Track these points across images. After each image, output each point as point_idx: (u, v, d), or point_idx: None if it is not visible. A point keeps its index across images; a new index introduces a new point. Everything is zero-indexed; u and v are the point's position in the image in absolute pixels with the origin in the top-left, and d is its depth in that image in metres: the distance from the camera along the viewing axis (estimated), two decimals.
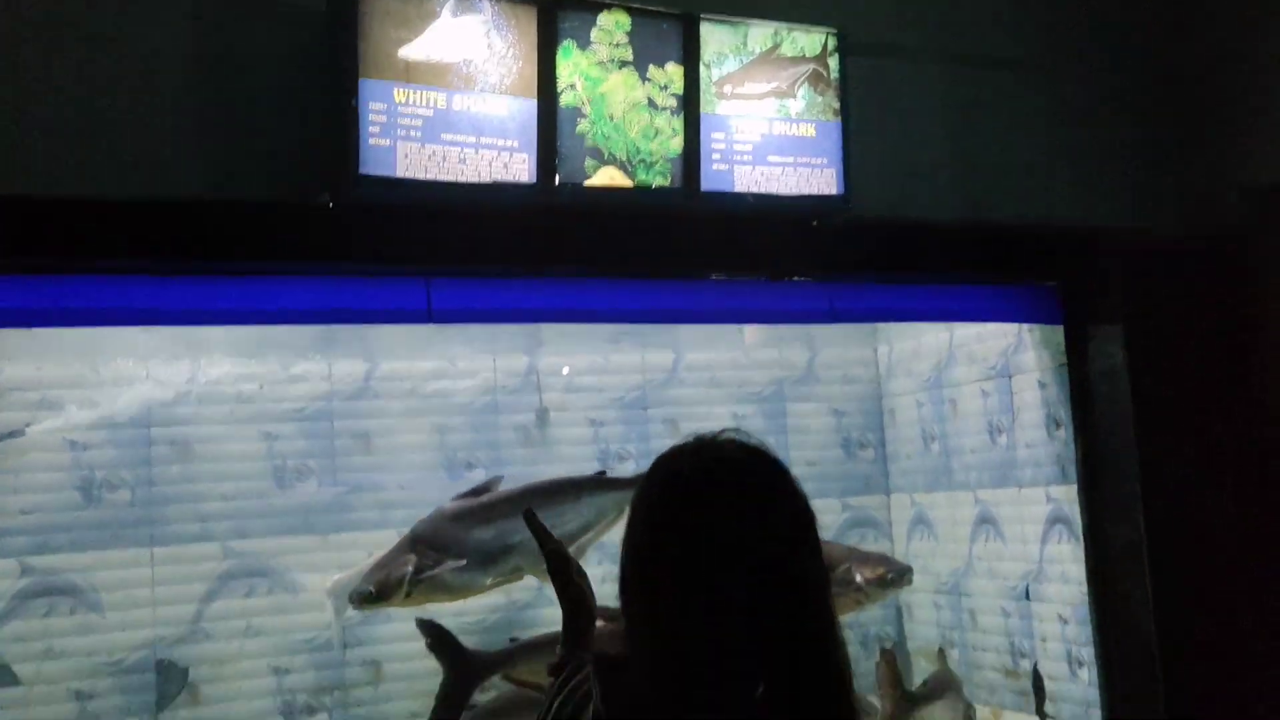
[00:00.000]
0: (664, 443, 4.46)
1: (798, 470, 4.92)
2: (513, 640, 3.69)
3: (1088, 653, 3.70)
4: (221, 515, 3.89)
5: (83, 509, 3.71)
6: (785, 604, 1.39)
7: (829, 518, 4.64)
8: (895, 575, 3.92)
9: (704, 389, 4.59)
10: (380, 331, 4.00)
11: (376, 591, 3.43)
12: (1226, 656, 3.53)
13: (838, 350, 4.79)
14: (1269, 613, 3.60)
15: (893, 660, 3.95)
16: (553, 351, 4.38)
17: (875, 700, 4.35)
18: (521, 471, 4.15)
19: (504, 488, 3.79)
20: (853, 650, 4.70)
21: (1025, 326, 3.98)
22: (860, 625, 4.64)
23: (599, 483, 3.81)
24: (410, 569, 3.41)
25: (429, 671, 4.06)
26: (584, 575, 1.96)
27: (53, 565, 3.65)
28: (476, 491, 3.74)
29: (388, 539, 4.05)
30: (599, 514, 3.72)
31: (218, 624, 3.83)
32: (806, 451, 4.67)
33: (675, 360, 4.58)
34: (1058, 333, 3.78)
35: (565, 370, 4.41)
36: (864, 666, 4.57)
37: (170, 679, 3.75)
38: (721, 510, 1.42)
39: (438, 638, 3.57)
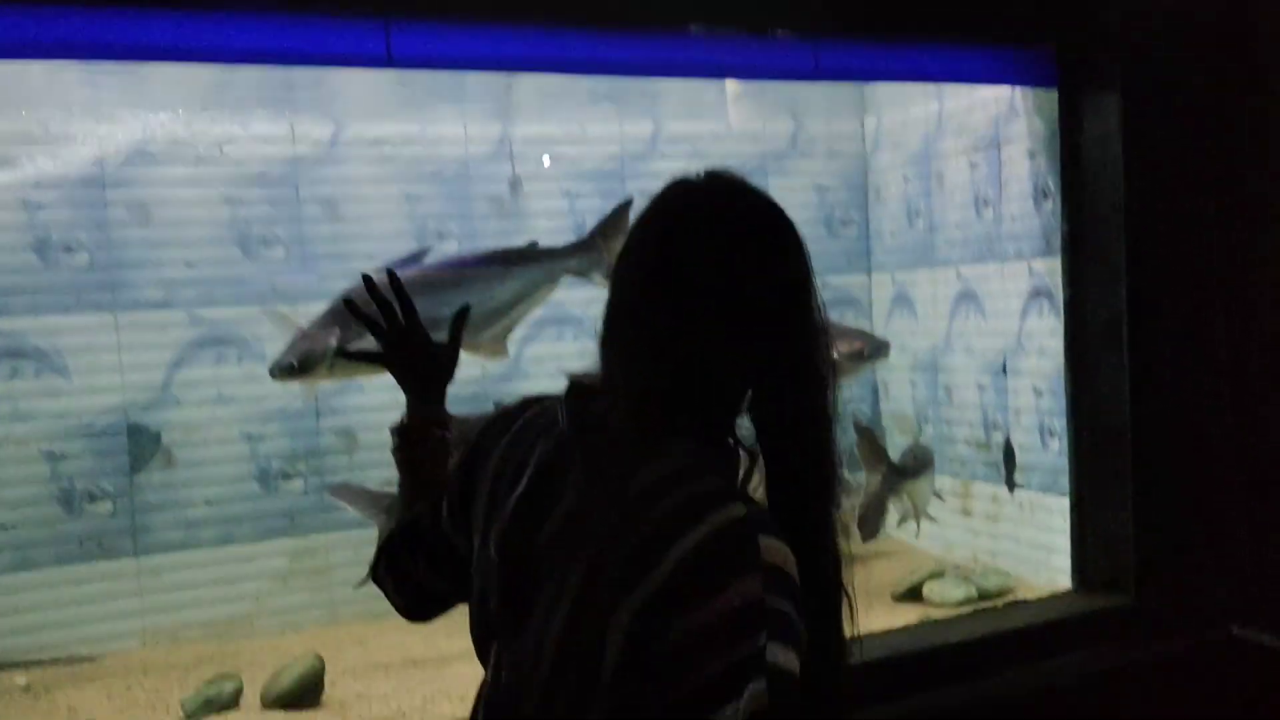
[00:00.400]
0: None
1: None
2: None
3: (1060, 423, 3.71)
4: (186, 282, 3.80)
5: (40, 272, 3.60)
6: (772, 351, 1.31)
7: None
8: (872, 349, 3.90)
9: (684, 162, 4.36)
10: (346, 91, 3.83)
11: (299, 365, 3.27)
12: (1198, 435, 3.55)
13: (822, 123, 4.63)
14: (1245, 392, 3.60)
15: (870, 434, 3.96)
16: (527, 119, 4.21)
17: (849, 477, 4.41)
18: (491, 243, 4.04)
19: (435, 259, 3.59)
20: None
21: (1018, 93, 3.82)
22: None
23: (531, 254, 3.61)
24: (334, 342, 3.21)
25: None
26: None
27: (13, 328, 3.57)
28: (405, 262, 3.48)
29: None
30: (531, 286, 3.57)
31: (188, 390, 3.79)
32: None
33: (654, 131, 4.41)
34: (1052, 98, 3.62)
35: (546, 161, 4.25)
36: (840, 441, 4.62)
37: (143, 443, 3.74)
38: (713, 243, 1.32)
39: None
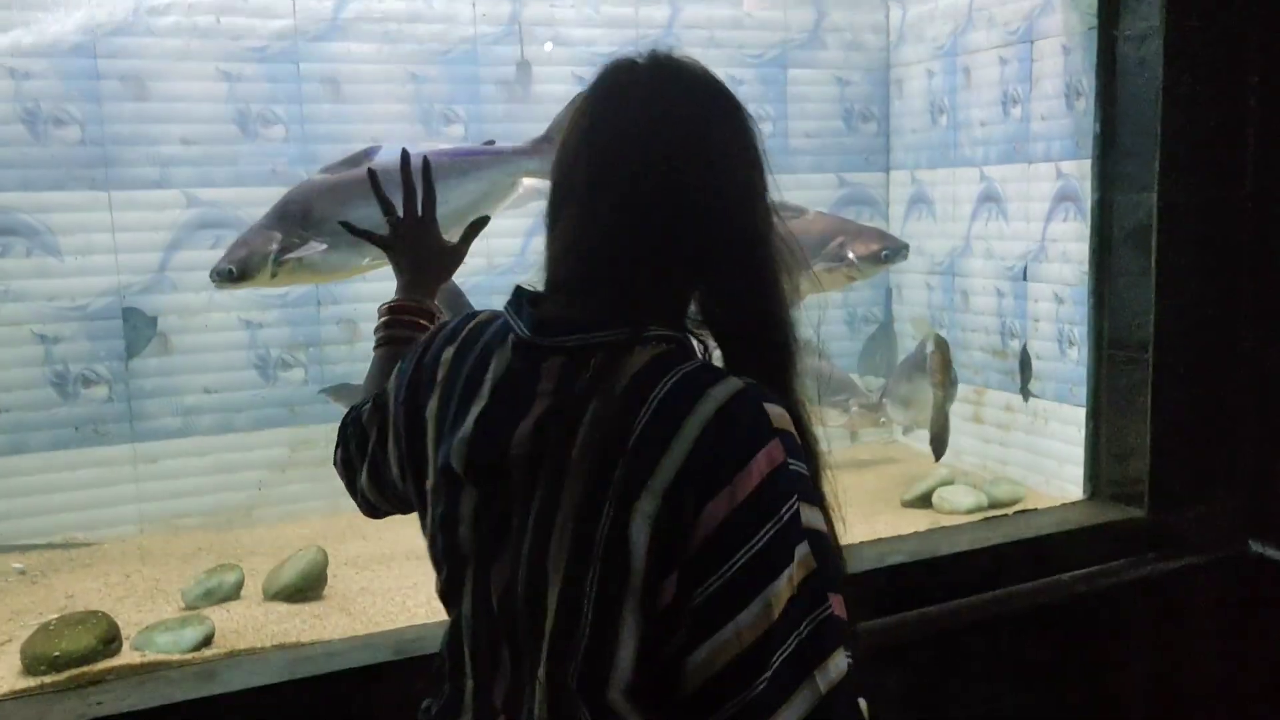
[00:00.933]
0: None
1: (794, 141, 4.73)
2: None
3: (1080, 332, 3.62)
4: (182, 160, 3.65)
5: (30, 145, 3.45)
6: (723, 238, 1.24)
7: (824, 193, 4.44)
8: (890, 251, 3.77)
9: (700, 49, 4.19)
10: None
11: (238, 271, 3.09)
12: (1219, 350, 3.46)
13: (846, 13, 4.43)
14: (1267, 310, 3.50)
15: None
16: None
17: (857, 379, 4.33)
18: (499, 129, 3.89)
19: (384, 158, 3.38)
20: (838, 329, 4.68)
21: None
22: (848, 305, 4.56)
23: (489, 154, 3.38)
24: (275, 247, 3.06)
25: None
26: (444, 252, 1.79)
27: (3, 203, 3.43)
28: (351, 162, 3.27)
29: None
30: (489, 187, 3.35)
31: (184, 274, 3.67)
32: (805, 122, 4.41)
33: (671, 15, 4.22)
34: None
35: (548, 47, 4.05)
36: (849, 346, 4.53)
37: (138, 327, 3.64)
38: (655, 125, 1.22)
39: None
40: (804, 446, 1.19)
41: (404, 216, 1.70)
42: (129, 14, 3.51)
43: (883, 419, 4.05)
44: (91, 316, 3.57)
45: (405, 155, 1.71)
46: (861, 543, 3.24)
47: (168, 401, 3.71)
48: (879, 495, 3.90)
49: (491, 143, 3.43)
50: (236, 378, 3.79)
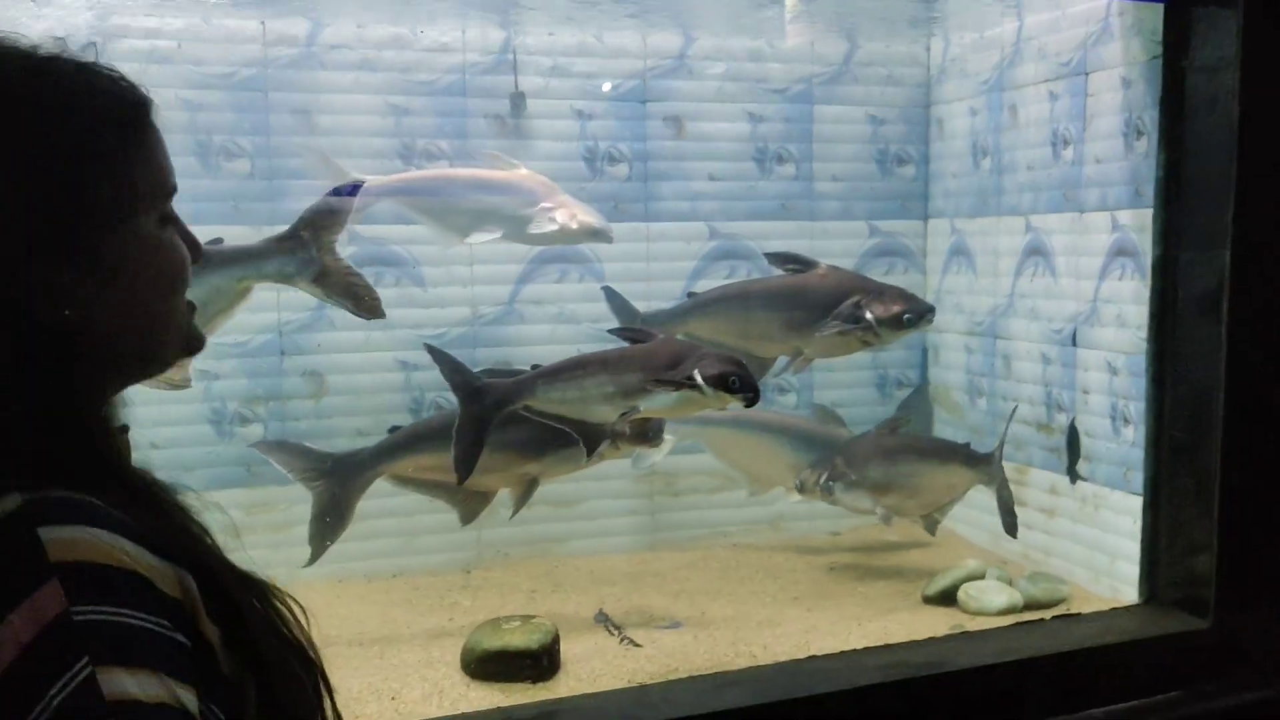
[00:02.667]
0: (664, 144, 3.74)
1: (820, 185, 4.22)
2: (535, 367, 3.00)
3: (1136, 409, 3.13)
4: None
5: None
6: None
7: (852, 242, 4.01)
8: (913, 316, 3.26)
9: (716, 82, 3.87)
10: None
11: None
12: None
13: (881, 44, 4.02)
14: None
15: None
16: (535, 24, 3.66)
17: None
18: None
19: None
20: (868, 394, 4.23)
21: (1114, 8, 3.18)
22: (878, 366, 4.10)
23: (213, 255, 2.32)
24: None
25: (380, 386, 3.64)
26: None
27: None
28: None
29: None
30: (210, 295, 2.65)
31: None
32: (833, 164, 3.99)
33: (684, 45, 3.84)
34: (1156, 14, 2.98)
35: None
36: (880, 411, 4.07)
37: None
38: None
39: (448, 365, 2.89)
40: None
41: None
42: (84, 37, 3.23)
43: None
44: None
45: None
46: (865, 649, 2.77)
47: None
48: (898, 588, 3.42)
49: (219, 241, 2.69)
50: (188, 432, 3.46)
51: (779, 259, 3.28)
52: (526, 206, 3.30)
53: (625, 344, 2.94)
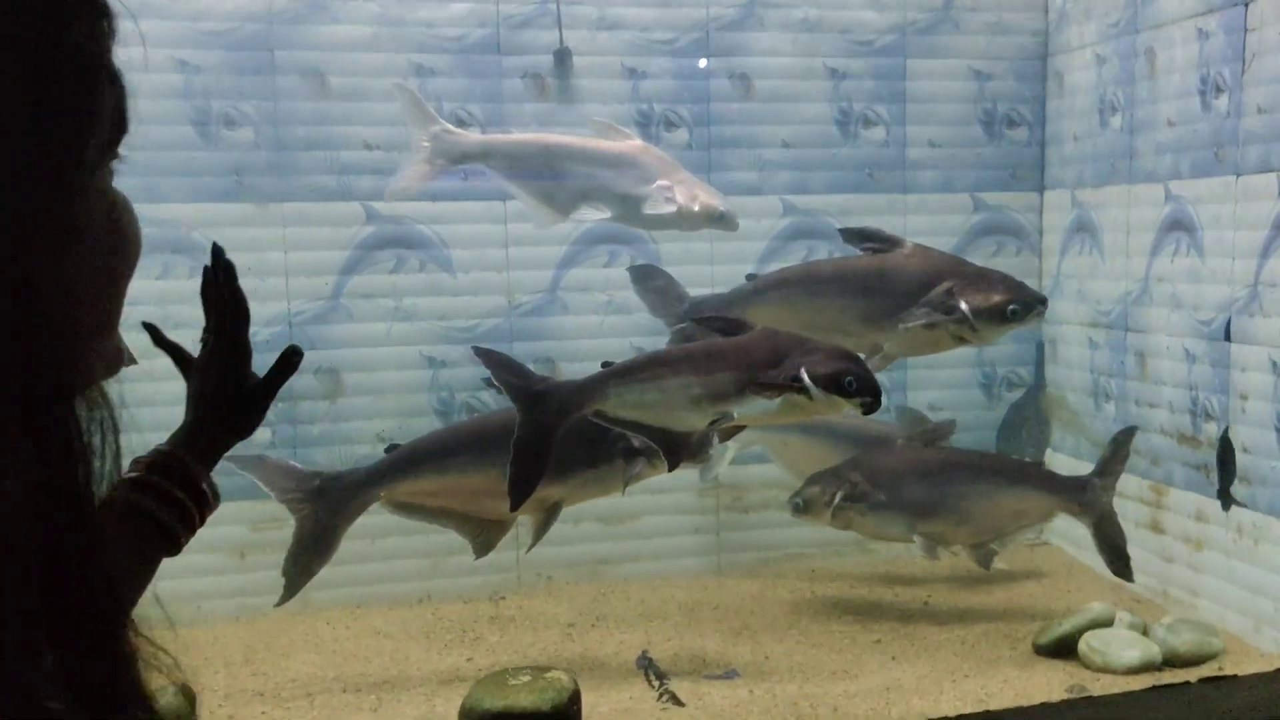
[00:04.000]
0: (730, 107, 3.18)
1: (913, 152, 3.56)
2: (606, 364, 2.48)
3: None
4: (128, 170, 2.96)
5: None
6: None
7: (952, 218, 3.45)
8: (1019, 307, 2.65)
9: (790, 34, 3.35)
10: None
11: None
12: None
13: None
14: None
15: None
16: None
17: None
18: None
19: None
20: (972, 396, 3.63)
21: None
22: (984, 363, 3.52)
23: None
24: None
25: (403, 385, 3.22)
26: None
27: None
28: None
29: (348, 213, 3.13)
30: None
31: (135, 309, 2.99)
32: (929, 128, 3.45)
33: None
34: None
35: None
36: (986, 417, 3.50)
37: None
38: None
39: (503, 367, 2.41)
40: None
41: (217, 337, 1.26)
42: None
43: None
44: None
45: (217, 250, 1.22)
46: (959, 718, 2.22)
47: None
48: (1004, 632, 2.85)
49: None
50: None
51: (856, 236, 2.72)
52: (641, 184, 2.82)
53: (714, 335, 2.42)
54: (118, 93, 0.74)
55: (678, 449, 2.39)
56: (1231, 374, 2.79)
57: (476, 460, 2.49)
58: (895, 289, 2.59)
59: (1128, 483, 3.00)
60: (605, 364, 2.43)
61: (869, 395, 2.20)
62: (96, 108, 0.72)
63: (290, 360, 1.30)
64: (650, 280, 2.96)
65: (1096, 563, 3.19)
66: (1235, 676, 2.49)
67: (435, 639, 2.94)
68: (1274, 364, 2.65)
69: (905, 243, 2.69)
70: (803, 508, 2.87)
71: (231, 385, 1.31)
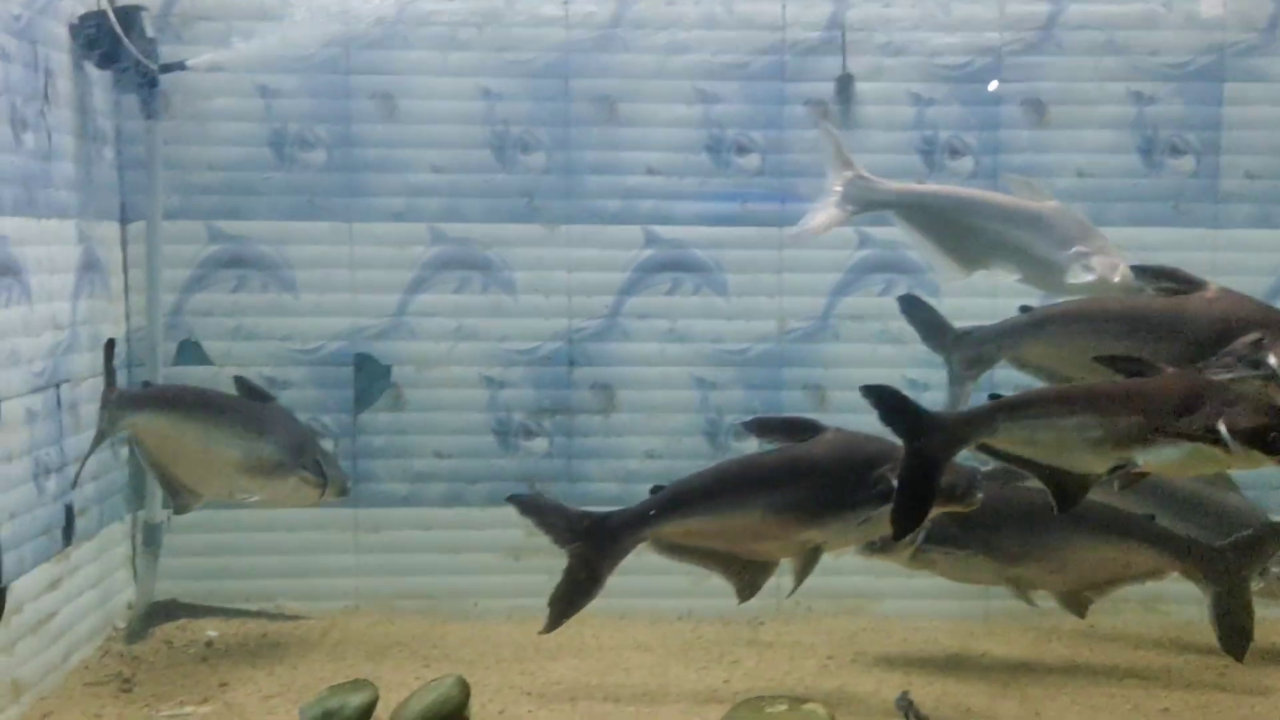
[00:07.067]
0: (1020, 134, 3.04)
1: (1228, 184, 3.32)
2: (994, 397, 2.40)
3: None
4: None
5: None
6: None
7: (1272, 257, 3.16)
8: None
9: (1088, 57, 3.20)
10: None
11: None
12: None
13: None
14: None
15: None
16: None
17: None
18: (802, 161, 3.08)
19: None
20: None
21: None
22: None
23: None
24: None
25: (674, 404, 3.27)
26: None
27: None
28: None
29: (629, 236, 3.21)
30: None
31: (430, 320, 3.22)
32: (1249, 158, 3.23)
33: (1052, 12, 3.19)
34: None
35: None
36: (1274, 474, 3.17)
37: (371, 376, 3.23)
38: None
39: (886, 402, 2.31)
40: None
41: None
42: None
43: None
44: (321, 362, 3.22)
45: None
46: None
47: (395, 464, 3.26)
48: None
49: None
50: (472, 443, 3.27)
51: (1151, 274, 2.53)
52: (1058, 248, 2.76)
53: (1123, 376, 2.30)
54: None
55: (1070, 493, 2.29)
56: None
57: (743, 501, 2.49)
58: (1192, 335, 2.38)
59: None
60: (992, 396, 2.38)
61: None
62: None
63: None
64: (916, 311, 2.89)
65: None
66: None
67: (694, 657, 2.97)
68: None
69: (1209, 284, 2.47)
70: (879, 547, 2.69)
71: None
